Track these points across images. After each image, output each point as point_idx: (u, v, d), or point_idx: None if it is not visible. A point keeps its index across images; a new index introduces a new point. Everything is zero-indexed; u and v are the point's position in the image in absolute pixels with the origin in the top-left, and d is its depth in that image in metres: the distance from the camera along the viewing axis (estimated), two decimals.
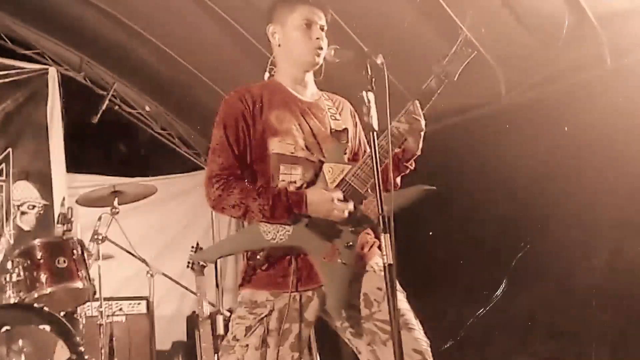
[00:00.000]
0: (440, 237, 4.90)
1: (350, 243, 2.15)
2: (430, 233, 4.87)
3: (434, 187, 2.20)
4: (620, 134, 4.07)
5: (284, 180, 2.20)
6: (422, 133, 2.25)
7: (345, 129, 2.32)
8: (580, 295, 4.24)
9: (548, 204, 4.42)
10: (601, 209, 4.19)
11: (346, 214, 2.13)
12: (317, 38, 2.27)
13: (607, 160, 4.14)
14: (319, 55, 2.28)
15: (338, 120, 2.34)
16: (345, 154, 2.27)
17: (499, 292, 4.63)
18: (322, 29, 2.30)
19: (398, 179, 2.37)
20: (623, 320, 4.12)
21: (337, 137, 2.28)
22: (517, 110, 4.66)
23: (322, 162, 2.23)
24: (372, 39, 4.55)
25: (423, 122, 2.22)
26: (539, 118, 4.46)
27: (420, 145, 2.29)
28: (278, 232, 2.14)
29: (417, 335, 2.15)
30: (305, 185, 2.21)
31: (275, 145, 2.20)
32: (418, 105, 2.20)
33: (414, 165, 2.36)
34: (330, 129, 2.30)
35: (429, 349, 2.16)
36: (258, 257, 2.16)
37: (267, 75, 2.41)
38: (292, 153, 2.21)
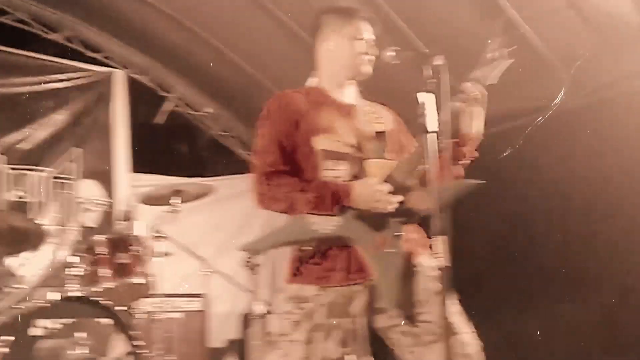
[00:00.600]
0: (498, 243, 4.80)
1: (399, 233, 2.14)
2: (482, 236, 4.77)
3: (483, 181, 2.14)
4: None
5: (328, 177, 2.21)
6: (481, 111, 2.18)
7: (385, 131, 2.32)
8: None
9: (611, 209, 4.26)
10: None
11: (392, 205, 2.12)
12: (369, 50, 2.32)
13: None
14: (368, 66, 2.33)
15: (379, 122, 2.36)
16: (385, 152, 2.27)
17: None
18: (371, 43, 2.35)
19: (458, 168, 2.28)
20: None
21: (378, 138, 2.30)
22: (582, 113, 4.52)
23: (365, 159, 2.24)
24: (430, 40, 4.51)
25: (482, 99, 2.16)
26: (604, 121, 4.31)
27: (480, 127, 2.22)
28: (325, 223, 2.14)
29: (465, 339, 2.12)
30: (350, 180, 2.21)
31: (320, 142, 2.23)
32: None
33: (476, 152, 2.27)
34: (371, 130, 2.31)
35: (481, 352, 2.12)
36: (305, 249, 2.17)
37: (311, 80, 2.45)
38: (337, 149, 2.23)
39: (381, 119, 2.39)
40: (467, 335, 2.13)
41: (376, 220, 2.14)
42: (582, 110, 4.55)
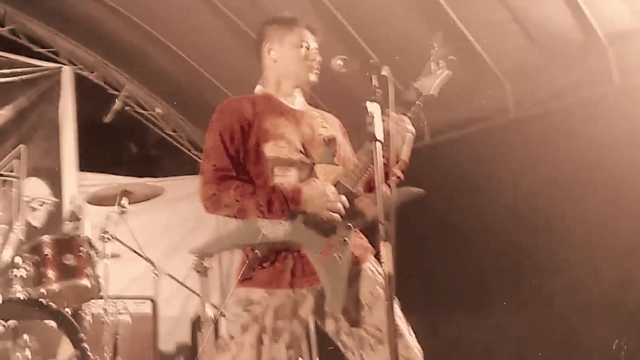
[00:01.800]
0: (441, 251, 4.90)
1: (346, 239, 2.19)
2: (432, 248, 4.87)
3: (422, 190, 2.25)
4: (626, 151, 4.09)
5: (278, 182, 2.24)
6: (410, 137, 2.25)
7: (334, 137, 2.37)
8: (587, 310, 4.23)
9: (552, 219, 4.42)
10: (606, 225, 4.19)
11: (340, 206, 2.17)
12: (313, 58, 2.39)
13: (612, 175, 4.15)
14: (314, 74, 2.40)
15: (326, 128, 2.42)
16: (334, 156, 2.32)
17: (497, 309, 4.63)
18: (315, 51, 2.41)
19: (385, 187, 2.36)
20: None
21: (327, 143, 2.34)
22: (525, 124, 4.68)
23: (314, 164, 2.28)
24: (379, 47, 4.60)
25: (410, 127, 2.25)
26: (546, 133, 4.47)
27: (408, 153, 2.29)
28: (275, 227, 2.17)
29: (408, 343, 2.19)
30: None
31: (269, 149, 2.26)
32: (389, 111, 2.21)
33: (401, 174, 2.35)
34: (319, 135, 2.36)
35: (421, 356, 2.19)
36: (256, 252, 2.20)
37: (258, 87, 2.49)
38: (286, 155, 2.26)
39: (328, 125, 2.45)
40: (409, 339, 2.20)
41: (324, 226, 2.19)
42: (527, 120, 4.70)
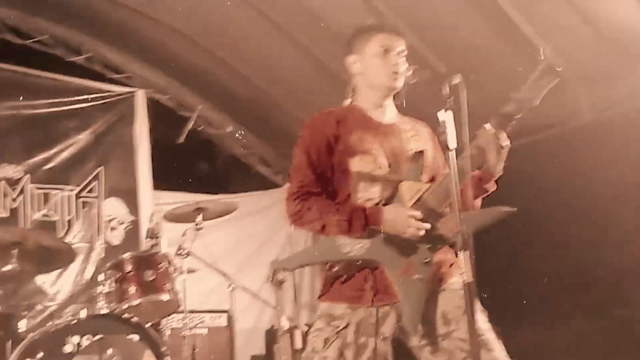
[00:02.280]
0: (519, 257, 4.80)
1: (428, 259, 2.18)
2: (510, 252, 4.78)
3: (514, 209, 2.17)
4: None
5: (361, 198, 2.26)
6: (504, 151, 2.24)
7: (423, 151, 2.35)
8: None
9: (628, 223, 4.26)
10: None
11: (422, 232, 2.15)
12: (395, 63, 2.34)
13: None
14: (397, 80, 2.34)
15: (417, 141, 2.39)
16: (421, 174, 2.30)
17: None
18: (400, 54, 2.37)
19: (478, 201, 2.36)
20: None
21: (415, 158, 2.32)
22: (599, 128, 4.54)
23: (399, 181, 2.27)
24: (449, 60, 4.57)
25: (506, 141, 2.22)
26: (621, 136, 4.33)
27: (501, 166, 2.28)
28: (355, 245, 2.19)
29: (497, 356, 2.14)
30: (382, 203, 2.25)
31: (355, 164, 2.27)
32: (489, 126, 2.20)
33: (495, 187, 2.35)
34: (409, 150, 2.34)
35: None
36: (335, 268, 2.23)
37: (347, 101, 2.49)
38: (371, 171, 2.26)
39: (419, 137, 2.41)
40: (498, 353, 2.16)
41: (405, 245, 2.18)
42: (602, 124, 4.57)
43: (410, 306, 2.15)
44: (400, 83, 2.35)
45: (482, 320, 2.20)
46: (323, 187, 2.30)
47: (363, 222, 2.17)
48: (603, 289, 4.43)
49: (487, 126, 2.20)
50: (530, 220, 4.37)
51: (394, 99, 2.45)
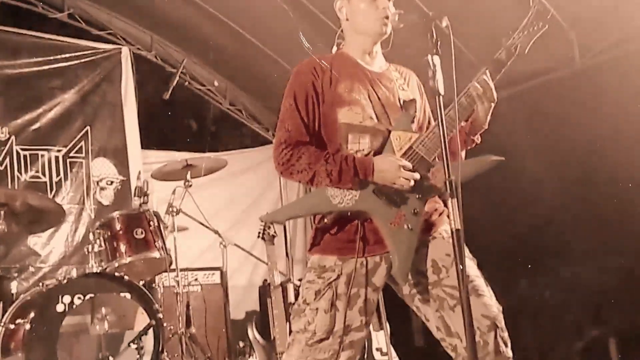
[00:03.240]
0: (508, 205, 4.80)
1: (417, 210, 2.17)
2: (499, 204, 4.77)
3: (502, 158, 2.18)
4: None
5: (351, 149, 2.23)
6: (492, 104, 2.23)
7: (413, 100, 2.33)
8: None
9: (621, 170, 4.24)
10: None
11: (412, 182, 2.14)
12: (384, 7, 2.29)
13: None
14: (386, 25, 2.30)
15: (406, 90, 2.36)
16: (412, 123, 2.27)
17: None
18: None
19: (463, 153, 2.36)
20: None
21: (406, 107, 2.29)
22: (592, 73, 4.49)
23: (389, 131, 2.24)
24: (437, 3, 4.46)
25: (494, 93, 2.20)
26: (615, 80, 4.27)
27: (488, 119, 2.27)
28: (345, 196, 2.17)
29: (487, 301, 2.14)
30: (372, 154, 2.23)
31: (343, 115, 2.23)
32: (489, 74, 2.18)
33: (479, 139, 2.35)
34: (399, 99, 2.31)
35: (501, 314, 2.15)
36: (325, 220, 2.21)
37: (335, 49, 2.44)
38: (360, 122, 2.23)
39: (408, 86, 2.38)
40: (488, 297, 2.16)
41: (395, 196, 2.17)
42: (591, 71, 4.51)
43: (400, 256, 2.14)
44: (388, 28, 2.30)
45: (471, 267, 2.20)
46: (311, 135, 2.26)
47: (353, 172, 2.15)
48: (590, 234, 4.43)
49: (484, 75, 2.16)
50: (521, 169, 4.37)
51: (381, 45, 2.40)
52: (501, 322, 2.14)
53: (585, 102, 4.40)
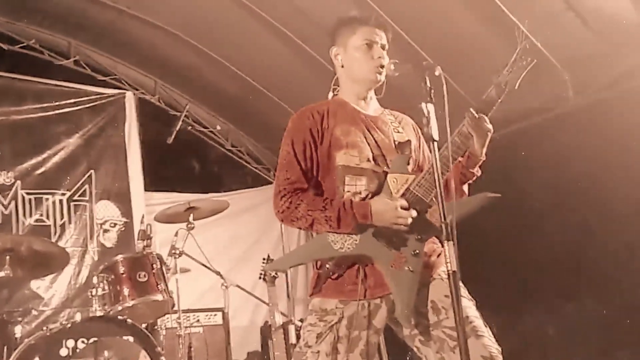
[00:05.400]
0: (509, 244, 4.82)
1: (417, 251, 2.19)
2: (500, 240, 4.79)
3: (499, 195, 2.20)
4: None
5: (349, 192, 2.26)
6: (489, 135, 2.25)
7: (408, 141, 2.37)
8: None
9: (619, 208, 4.28)
10: None
11: (409, 221, 2.16)
12: (379, 57, 2.34)
13: None
14: (380, 73, 2.34)
15: (401, 132, 2.40)
16: (408, 164, 2.31)
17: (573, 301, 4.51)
18: (382, 48, 2.37)
19: (465, 187, 2.39)
20: None
21: (401, 149, 2.33)
22: (586, 112, 4.56)
23: (386, 173, 2.28)
24: (433, 47, 4.57)
25: (489, 125, 2.23)
26: (608, 120, 4.34)
27: (484, 151, 2.30)
28: (346, 241, 2.21)
29: (486, 342, 2.14)
30: (370, 196, 2.26)
31: (341, 158, 2.27)
32: (474, 112, 2.21)
33: (479, 172, 2.37)
34: (394, 142, 2.35)
35: (500, 356, 2.15)
36: (327, 266, 2.23)
37: (330, 94, 2.50)
38: (357, 164, 2.27)
39: (403, 129, 2.42)
40: (488, 338, 2.16)
41: (395, 238, 2.19)
42: (584, 110, 4.59)
43: (401, 298, 2.16)
44: (382, 77, 2.35)
45: (470, 308, 2.21)
46: (310, 181, 2.30)
47: (351, 217, 2.18)
48: (594, 272, 4.45)
49: (471, 112, 2.20)
50: (522, 207, 4.40)
51: (375, 92, 2.46)
52: None
53: (580, 140, 4.47)
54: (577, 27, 4.37)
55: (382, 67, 2.32)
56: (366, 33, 2.37)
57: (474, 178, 2.38)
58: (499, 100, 2.24)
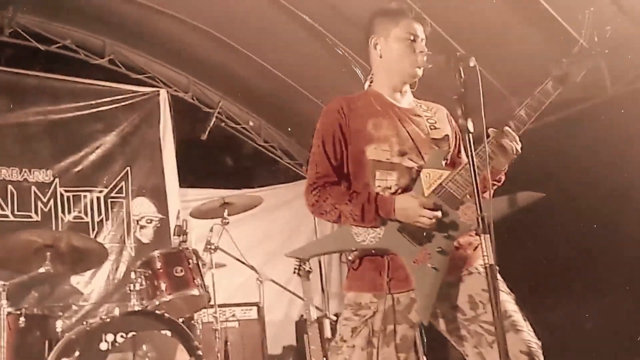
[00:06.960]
0: (542, 239, 4.75)
1: (443, 248, 2.15)
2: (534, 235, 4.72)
3: (543, 194, 2.14)
4: None
5: (379, 186, 2.24)
6: (515, 155, 2.19)
7: (446, 136, 2.33)
8: None
9: None
10: None
11: (433, 221, 2.13)
12: (421, 52, 2.29)
13: None
14: (420, 68, 2.31)
15: (438, 128, 2.35)
16: (444, 160, 2.27)
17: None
18: (422, 42, 2.33)
19: (486, 194, 2.30)
20: None
21: (438, 144, 2.30)
22: (624, 102, 4.46)
23: (419, 168, 2.24)
24: (467, 39, 4.52)
25: (519, 146, 2.18)
26: None
27: (506, 168, 2.26)
28: (369, 234, 2.20)
29: (525, 337, 2.11)
30: (400, 191, 2.23)
31: (371, 152, 2.25)
32: (511, 130, 2.15)
33: (502, 180, 2.34)
34: (429, 135, 2.31)
35: (540, 350, 2.11)
36: (350, 257, 2.24)
37: (367, 84, 2.46)
38: (387, 159, 2.25)
39: (439, 123, 2.37)
40: (526, 333, 2.13)
41: (420, 234, 2.17)
42: (622, 99, 4.49)
43: (421, 294, 2.13)
44: (421, 72, 2.33)
45: (509, 302, 2.17)
46: (340, 175, 2.30)
47: (374, 212, 2.17)
48: (631, 267, 4.35)
49: (508, 128, 2.14)
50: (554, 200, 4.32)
51: (410, 85, 2.43)
52: (539, 358, 2.10)
53: (617, 129, 4.38)
54: (613, 13, 4.27)
55: (423, 62, 2.28)
56: (409, 26, 2.33)
57: (495, 187, 2.34)
58: (554, 95, 2.16)
